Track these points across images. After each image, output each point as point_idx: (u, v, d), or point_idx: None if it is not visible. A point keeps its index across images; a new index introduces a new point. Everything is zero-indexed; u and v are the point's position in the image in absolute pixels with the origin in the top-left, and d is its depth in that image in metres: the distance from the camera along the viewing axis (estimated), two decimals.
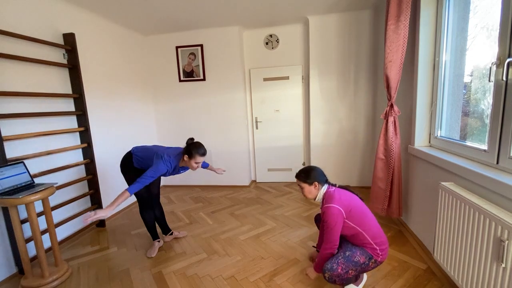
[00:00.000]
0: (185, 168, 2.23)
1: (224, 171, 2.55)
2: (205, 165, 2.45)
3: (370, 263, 1.62)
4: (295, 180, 1.80)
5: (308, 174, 1.73)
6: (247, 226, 2.81)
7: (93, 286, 1.98)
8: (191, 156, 2.04)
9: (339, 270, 1.56)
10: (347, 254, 1.61)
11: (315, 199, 1.74)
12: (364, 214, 1.64)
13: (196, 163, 2.08)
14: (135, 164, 2.22)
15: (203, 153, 2.07)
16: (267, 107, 4.08)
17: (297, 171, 1.79)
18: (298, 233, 2.60)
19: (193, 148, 2.04)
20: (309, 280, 1.89)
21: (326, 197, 1.67)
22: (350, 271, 1.58)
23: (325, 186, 1.72)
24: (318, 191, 1.72)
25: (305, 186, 1.73)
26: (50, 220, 2.08)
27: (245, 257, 2.25)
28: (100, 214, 1.72)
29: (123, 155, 2.32)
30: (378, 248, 1.61)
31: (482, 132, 1.71)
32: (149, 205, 2.36)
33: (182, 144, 4.11)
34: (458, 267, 1.52)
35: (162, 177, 2.43)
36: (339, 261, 1.58)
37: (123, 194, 1.86)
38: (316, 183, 1.71)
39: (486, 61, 1.64)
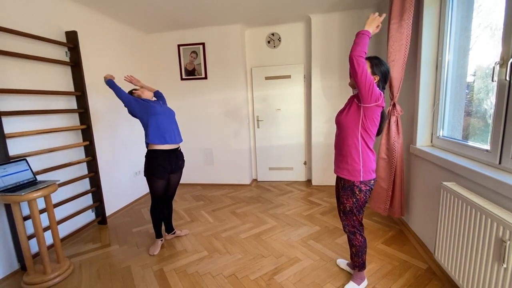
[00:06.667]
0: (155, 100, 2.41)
1: None
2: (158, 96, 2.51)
3: (359, 194, 1.59)
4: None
5: (381, 65, 1.54)
6: (248, 224, 2.82)
7: (94, 283, 2.00)
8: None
9: (349, 222, 1.70)
10: (341, 213, 1.73)
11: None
12: (374, 133, 1.57)
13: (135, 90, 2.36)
14: (155, 141, 2.20)
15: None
16: (269, 106, 4.08)
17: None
18: (299, 232, 2.60)
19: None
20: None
21: None
22: (354, 218, 1.68)
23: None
24: None
25: (367, 68, 1.50)
26: (52, 217, 2.09)
27: (246, 255, 2.25)
28: None
29: (142, 160, 2.40)
30: (361, 163, 1.55)
31: (484, 132, 1.70)
32: (161, 204, 2.36)
33: (183, 142, 4.18)
34: (459, 267, 1.52)
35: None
36: (344, 223, 1.73)
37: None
38: (378, 78, 1.53)
39: (489, 60, 1.63)
